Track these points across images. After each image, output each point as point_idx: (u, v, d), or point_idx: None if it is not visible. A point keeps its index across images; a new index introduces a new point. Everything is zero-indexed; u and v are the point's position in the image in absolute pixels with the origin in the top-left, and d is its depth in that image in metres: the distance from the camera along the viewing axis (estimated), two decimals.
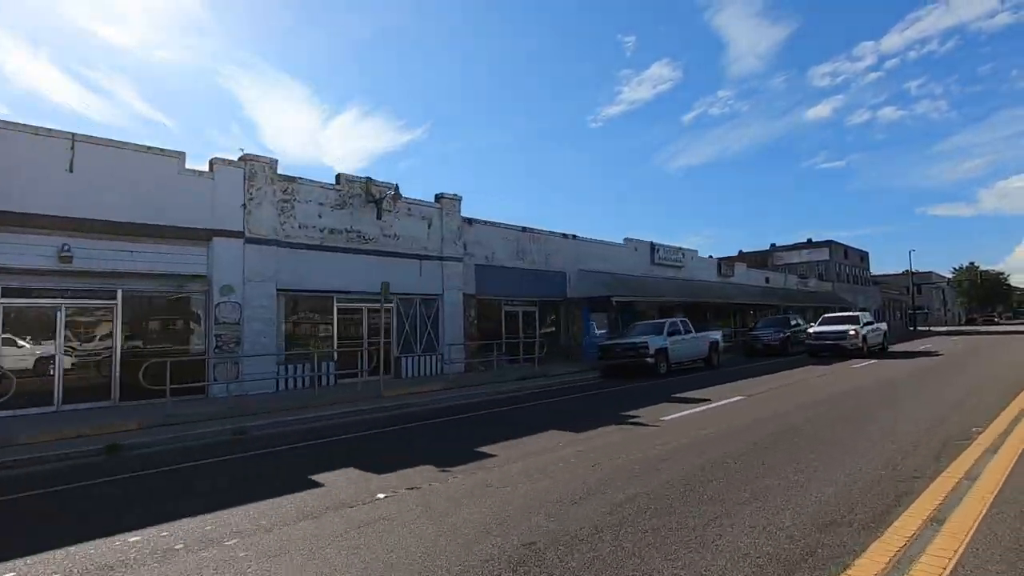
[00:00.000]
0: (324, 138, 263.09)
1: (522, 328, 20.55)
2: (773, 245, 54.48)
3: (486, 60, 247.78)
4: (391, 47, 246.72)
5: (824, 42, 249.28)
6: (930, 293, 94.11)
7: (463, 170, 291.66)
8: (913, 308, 70.64)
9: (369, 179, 15.83)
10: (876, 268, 67.36)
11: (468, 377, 16.48)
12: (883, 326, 23.55)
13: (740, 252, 56.84)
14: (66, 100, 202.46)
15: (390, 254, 16.32)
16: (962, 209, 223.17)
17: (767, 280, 38.58)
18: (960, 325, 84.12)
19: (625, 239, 26.04)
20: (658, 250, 27.26)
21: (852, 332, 20.27)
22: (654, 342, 16.93)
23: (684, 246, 29.69)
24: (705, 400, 10.89)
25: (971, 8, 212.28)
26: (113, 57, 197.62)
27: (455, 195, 18.30)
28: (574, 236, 22.96)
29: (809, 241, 51.88)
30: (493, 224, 19.72)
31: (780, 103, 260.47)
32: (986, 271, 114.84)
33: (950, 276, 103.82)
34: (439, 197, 18.05)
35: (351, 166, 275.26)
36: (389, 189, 15.73)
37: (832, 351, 20.30)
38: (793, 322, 26.61)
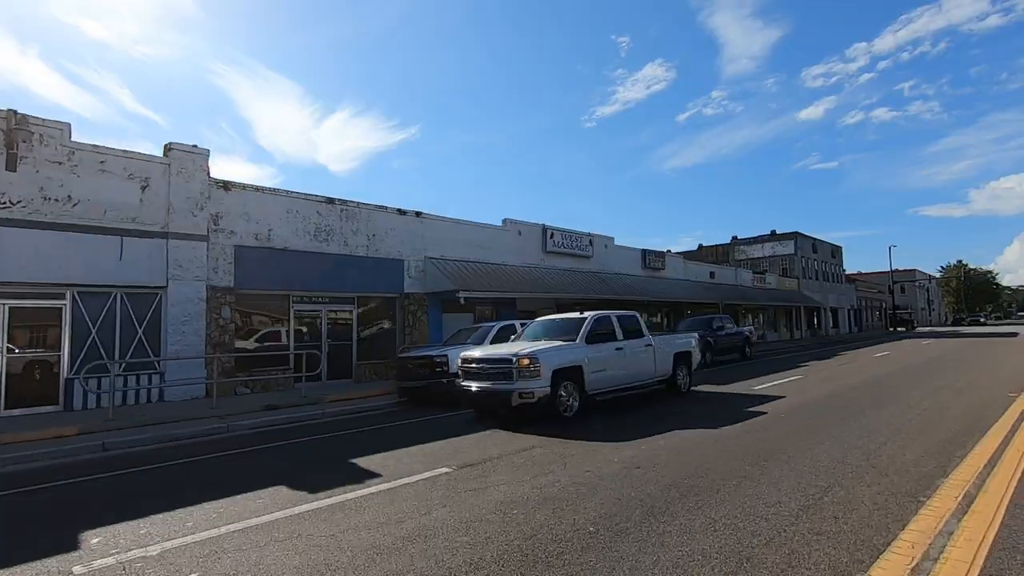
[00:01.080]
0: (318, 136, 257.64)
1: (326, 335, 15.26)
2: (735, 238, 49.39)
3: (479, 60, 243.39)
4: (383, 47, 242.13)
5: (817, 43, 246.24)
6: (914, 292, 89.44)
7: (457, 169, 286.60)
8: (893, 307, 65.94)
9: (12, 112, 10.51)
10: (867, 268, 62.86)
11: (195, 406, 11.23)
12: (684, 343, 12.49)
13: (700, 246, 51.80)
14: (58, 97, 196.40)
15: (60, 226, 11.00)
16: (954, 210, 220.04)
17: (712, 275, 33.42)
18: (943, 326, 79.19)
19: (504, 220, 20.77)
20: (552, 235, 22.01)
21: (524, 362, 8.65)
22: (459, 356, 11.66)
23: (596, 232, 24.47)
24: (371, 478, 5.71)
25: (962, 10, 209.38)
26: (105, 55, 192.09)
27: (195, 147, 12.99)
28: (417, 213, 17.65)
29: (773, 233, 46.79)
30: (271, 191, 14.40)
31: (773, 104, 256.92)
32: (974, 269, 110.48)
33: (937, 275, 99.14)
34: (169, 148, 12.73)
35: (345, 165, 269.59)
36: (11, 120, 10.33)
37: (494, 404, 9.12)
38: (717, 324, 21.52)
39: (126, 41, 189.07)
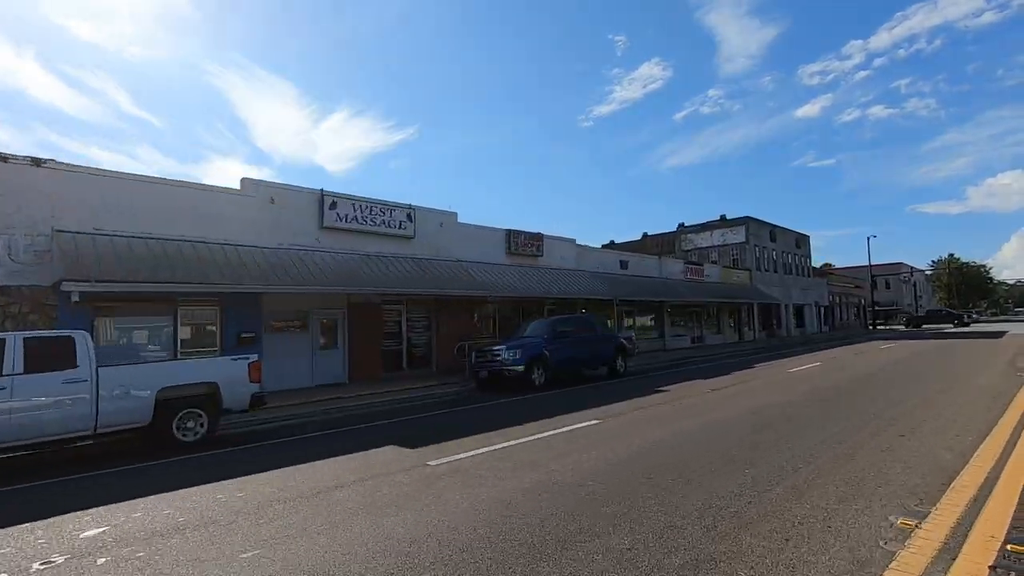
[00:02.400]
0: (316, 137, 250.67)
1: None
2: (681, 225, 43.00)
3: (477, 61, 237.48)
4: (381, 48, 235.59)
5: (813, 41, 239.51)
6: (900, 287, 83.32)
7: (455, 169, 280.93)
8: (872, 304, 59.81)
9: None
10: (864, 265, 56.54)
11: None
12: (183, 374, 8.33)
13: (644, 235, 45.53)
14: (55, 100, 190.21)
15: None
16: (951, 207, 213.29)
17: (624, 265, 27.04)
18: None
19: (243, 181, 14.46)
20: (334, 205, 15.65)
21: None
22: None
23: (416, 203, 18.14)
24: None
25: (957, 7, 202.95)
26: (102, 57, 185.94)
27: None
28: (37, 161, 11.27)
29: (722, 218, 40.38)
30: None
31: (771, 102, 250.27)
32: (967, 263, 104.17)
33: (925, 269, 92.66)
34: None
35: (342, 166, 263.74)
36: None
37: None
38: (561, 328, 15.24)
39: (122, 43, 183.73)
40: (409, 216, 17.40)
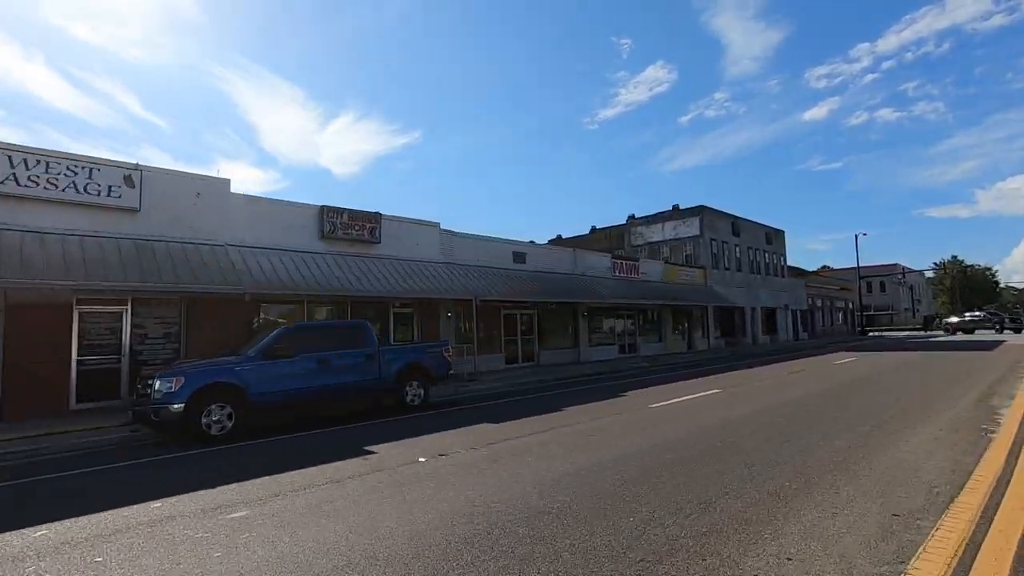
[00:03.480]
0: (321, 140, 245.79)
1: None
2: (632, 217, 37.59)
3: (478, 63, 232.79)
4: (380, 49, 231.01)
5: (820, 44, 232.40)
6: (896, 290, 77.58)
7: (458, 172, 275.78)
8: (861, 308, 54.41)
9: None
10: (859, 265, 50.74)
11: None
12: None
13: (593, 228, 40.23)
14: (64, 103, 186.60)
15: None
16: (959, 210, 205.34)
17: (520, 258, 21.72)
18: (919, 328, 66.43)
19: None
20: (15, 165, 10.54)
21: None
22: None
23: (152, 163, 13.04)
24: None
25: (965, 9, 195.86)
26: (109, 60, 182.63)
27: None
28: None
29: (675, 208, 34.96)
30: None
31: (776, 105, 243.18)
32: (970, 266, 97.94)
33: (924, 270, 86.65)
34: None
35: (348, 169, 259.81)
36: None
37: None
38: (292, 342, 10.02)
39: (125, 45, 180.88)
40: (128, 180, 12.23)
